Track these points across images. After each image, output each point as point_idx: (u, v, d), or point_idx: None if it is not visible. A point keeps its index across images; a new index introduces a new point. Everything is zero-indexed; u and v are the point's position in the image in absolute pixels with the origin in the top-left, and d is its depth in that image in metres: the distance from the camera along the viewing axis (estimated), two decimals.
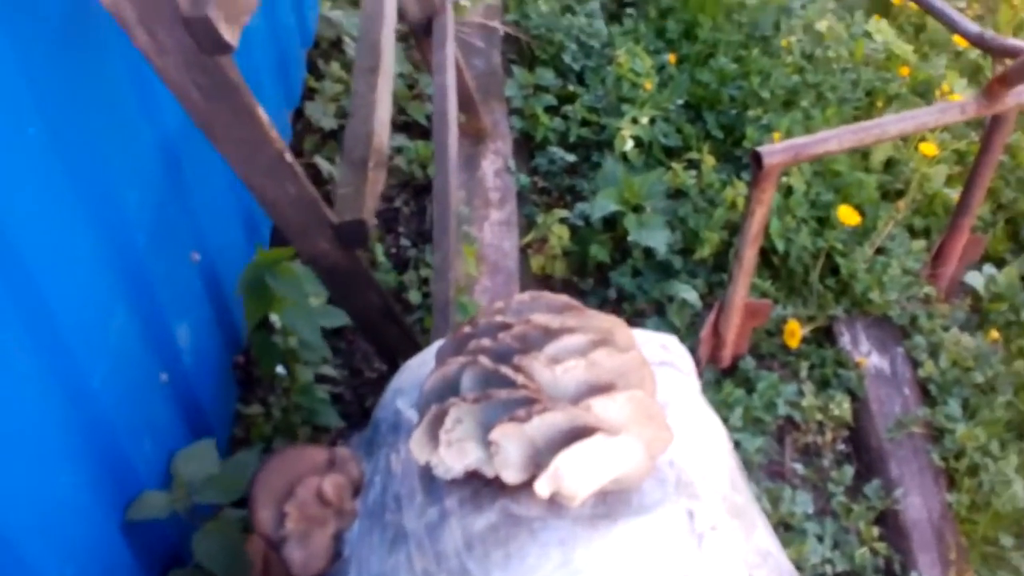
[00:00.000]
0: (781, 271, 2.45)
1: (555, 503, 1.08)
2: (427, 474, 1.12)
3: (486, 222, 2.53)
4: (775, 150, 1.85)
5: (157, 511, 1.36)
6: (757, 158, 1.84)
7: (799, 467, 2.12)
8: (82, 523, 1.26)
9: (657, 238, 2.40)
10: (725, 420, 2.10)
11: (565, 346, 1.07)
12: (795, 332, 2.25)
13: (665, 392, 1.24)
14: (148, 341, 1.40)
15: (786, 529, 1.95)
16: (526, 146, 2.79)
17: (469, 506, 1.09)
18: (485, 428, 1.05)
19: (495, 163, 2.68)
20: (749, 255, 2.01)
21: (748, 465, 2.06)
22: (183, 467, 1.43)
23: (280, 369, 1.80)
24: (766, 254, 2.45)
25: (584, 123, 2.77)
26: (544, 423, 1.03)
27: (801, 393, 2.21)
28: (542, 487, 1.03)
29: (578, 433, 1.04)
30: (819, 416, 2.18)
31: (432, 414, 1.08)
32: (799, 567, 1.88)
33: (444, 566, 1.05)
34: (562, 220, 2.50)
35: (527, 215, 2.57)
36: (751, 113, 2.72)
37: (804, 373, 2.27)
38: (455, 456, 1.08)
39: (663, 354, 1.30)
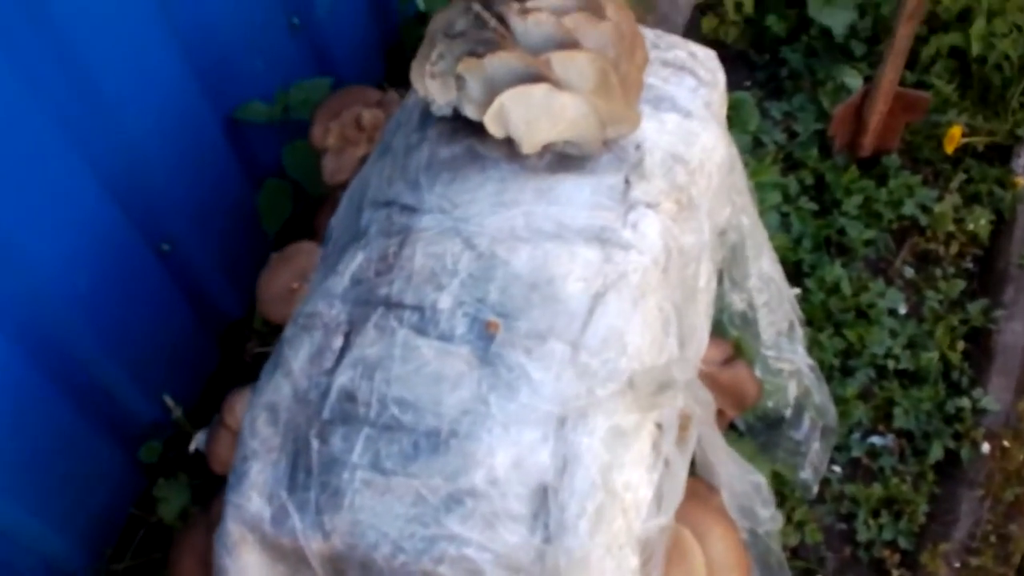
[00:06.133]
0: (974, 79, 2.21)
1: (516, 152, 1.17)
2: (425, 108, 1.25)
3: None
4: None
5: (257, 115, 1.61)
6: None
7: (909, 270, 2.01)
8: (192, 120, 1.53)
9: (838, 18, 2.23)
10: (838, 204, 2.03)
11: (546, 2, 1.12)
12: (954, 137, 2.05)
13: (670, 91, 1.26)
14: None
15: (858, 315, 1.89)
16: None
17: (444, 139, 1.21)
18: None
19: None
20: (903, 33, 1.85)
21: (852, 255, 1.99)
22: (294, 93, 1.66)
23: None
24: (962, 57, 2.21)
25: None
26: (500, 63, 1.10)
27: (940, 199, 2.05)
28: (489, 121, 1.12)
29: (530, 80, 1.10)
30: (951, 227, 2.03)
31: (423, 48, 1.19)
32: (855, 352, 1.84)
33: (404, 176, 1.19)
34: None
35: None
36: None
37: (954, 184, 2.09)
38: (440, 90, 1.19)
39: (687, 60, 1.29)
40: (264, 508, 0.99)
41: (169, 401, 1.53)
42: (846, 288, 1.91)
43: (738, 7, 2.38)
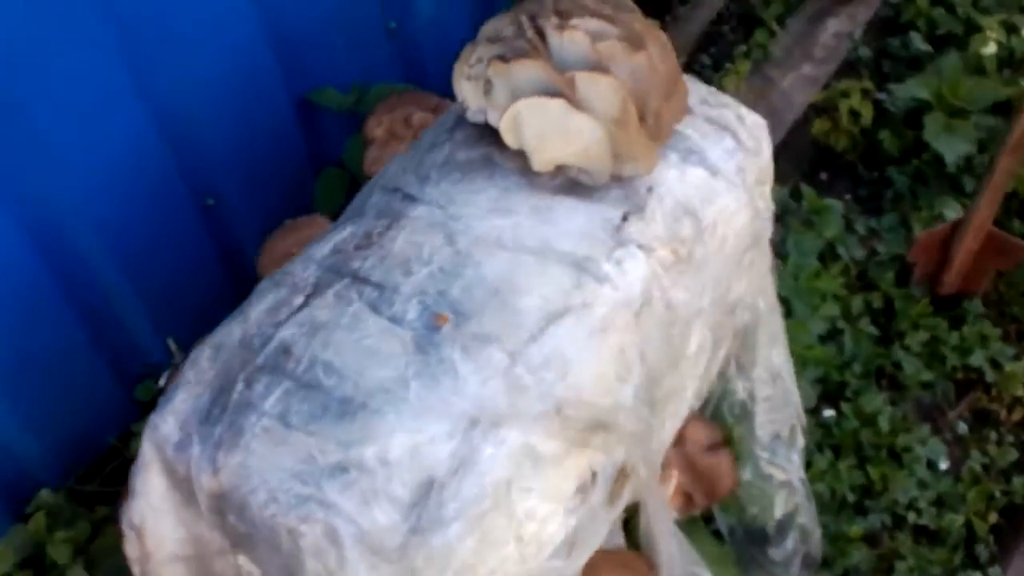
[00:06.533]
0: None
1: (529, 168, 1.16)
2: (462, 115, 1.26)
3: (793, 71, 2.45)
4: None
5: (330, 102, 1.68)
6: None
7: (963, 426, 1.86)
8: (264, 88, 1.61)
9: (953, 147, 2.13)
10: (901, 336, 1.91)
11: (584, 23, 1.12)
12: None
13: (703, 146, 1.22)
14: None
15: (891, 456, 1.76)
16: (888, 26, 2.57)
17: (468, 143, 1.22)
18: None
19: (842, 25, 2.54)
20: (1003, 166, 1.75)
21: (903, 393, 1.86)
22: (374, 92, 1.71)
23: None
24: None
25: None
26: (526, 71, 1.10)
27: (1017, 359, 1.90)
28: (504, 127, 1.12)
29: (553, 95, 1.10)
30: (1020, 391, 1.87)
31: (466, 50, 1.21)
32: (876, 492, 1.71)
33: (418, 169, 1.20)
34: (867, 94, 2.31)
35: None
36: None
37: None
38: (472, 93, 1.20)
39: (733, 121, 1.26)
40: (174, 432, 0.99)
41: (172, 344, 1.56)
42: (884, 424, 1.78)
43: (855, 117, 2.32)
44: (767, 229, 1.36)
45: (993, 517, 1.69)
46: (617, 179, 1.16)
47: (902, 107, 2.25)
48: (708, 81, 2.29)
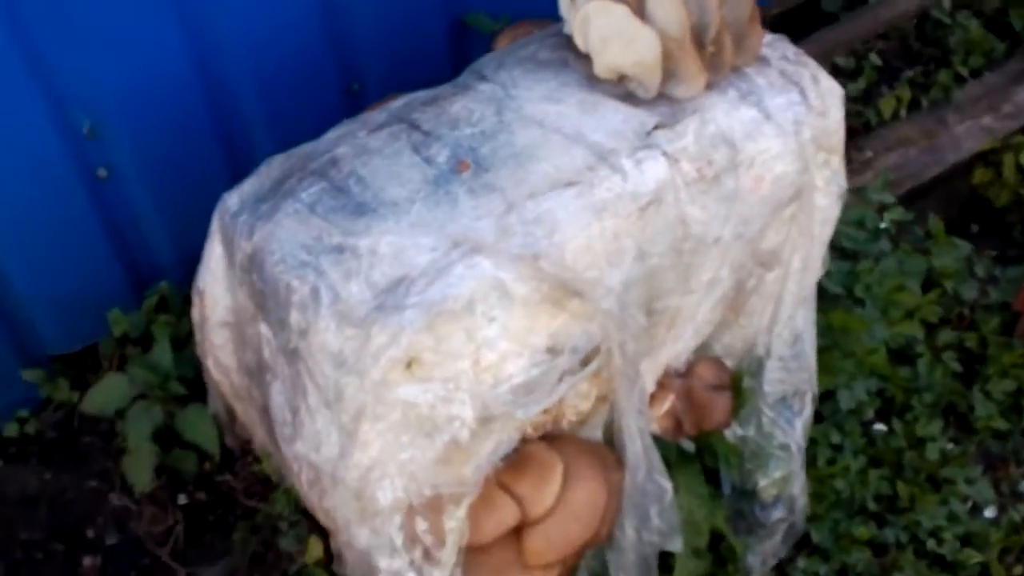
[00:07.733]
0: None
1: (595, 79, 1.29)
2: (560, 29, 1.40)
3: (971, 119, 2.38)
4: None
5: (481, 25, 1.87)
6: None
7: None
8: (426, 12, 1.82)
9: None
10: (985, 380, 1.84)
11: None
12: None
13: (765, 92, 1.29)
14: None
15: (930, 482, 1.71)
16: None
17: (552, 47, 1.35)
18: None
19: None
20: None
21: (970, 435, 1.79)
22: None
23: None
24: None
25: None
26: None
27: None
28: (575, 28, 1.26)
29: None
30: None
31: None
32: (900, 509, 1.67)
33: (502, 59, 1.36)
34: None
35: None
36: None
37: None
38: (566, 4, 1.34)
39: (804, 79, 1.31)
40: (235, 205, 1.21)
41: None
42: (932, 452, 1.73)
43: (1020, 170, 2.22)
44: (831, 204, 1.40)
45: (1019, 570, 1.62)
46: (668, 98, 1.26)
47: None
48: (872, 105, 2.29)
